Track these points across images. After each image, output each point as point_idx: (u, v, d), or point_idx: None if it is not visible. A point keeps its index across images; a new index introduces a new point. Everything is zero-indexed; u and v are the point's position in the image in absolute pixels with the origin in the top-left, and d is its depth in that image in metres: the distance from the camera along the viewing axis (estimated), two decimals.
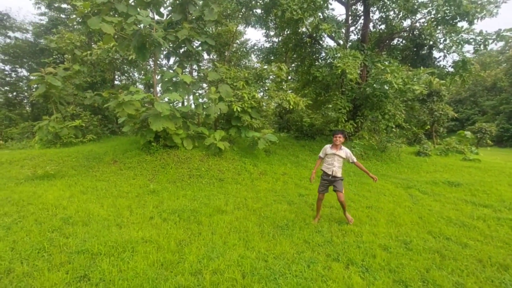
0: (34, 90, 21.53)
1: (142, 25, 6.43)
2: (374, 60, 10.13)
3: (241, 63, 14.52)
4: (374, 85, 8.70)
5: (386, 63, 9.54)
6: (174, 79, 7.40)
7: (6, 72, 22.32)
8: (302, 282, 2.63)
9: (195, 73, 11.40)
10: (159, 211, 4.39)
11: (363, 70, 10.64)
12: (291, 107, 7.57)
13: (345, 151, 4.15)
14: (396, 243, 3.52)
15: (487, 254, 3.27)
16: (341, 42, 10.74)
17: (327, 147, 4.23)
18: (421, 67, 9.23)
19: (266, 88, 8.12)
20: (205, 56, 14.17)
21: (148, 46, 6.91)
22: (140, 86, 18.01)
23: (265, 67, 8.46)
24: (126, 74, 18.41)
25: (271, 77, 8.50)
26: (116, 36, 7.14)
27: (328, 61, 11.66)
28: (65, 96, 10.20)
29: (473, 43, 9.98)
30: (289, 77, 15.53)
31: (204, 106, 7.36)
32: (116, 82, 18.48)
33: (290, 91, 8.48)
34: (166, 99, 7.26)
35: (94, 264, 2.83)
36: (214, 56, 12.47)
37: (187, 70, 11.29)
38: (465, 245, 3.50)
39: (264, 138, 7.11)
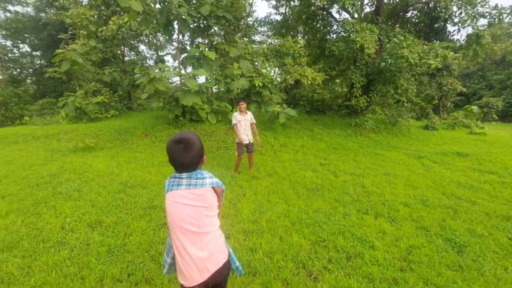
0: (38, 66, 21.50)
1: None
2: (389, 34, 10.20)
3: (253, 37, 14.45)
4: (389, 60, 8.90)
5: (400, 37, 9.64)
6: (196, 55, 7.64)
7: (8, 48, 22.00)
8: (342, 228, 3.23)
9: (206, 49, 11.50)
10: None
11: (377, 44, 10.72)
12: (309, 82, 7.88)
13: (249, 115, 5.13)
14: (414, 201, 4.09)
15: (492, 209, 3.83)
16: (357, 15, 10.70)
17: (237, 115, 5.04)
18: (436, 41, 9.35)
19: (284, 64, 8.34)
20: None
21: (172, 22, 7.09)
22: (150, 62, 18.03)
23: (282, 42, 8.59)
24: (134, 50, 18.32)
25: (289, 52, 8.67)
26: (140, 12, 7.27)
27: (341, 34, 11.71)
28: (84, 73, 10.45)
29: (488, 17, 9.98)
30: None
31: (227, 82, 7.69)
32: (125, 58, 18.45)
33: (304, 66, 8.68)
34: (192, 75, 7.55)
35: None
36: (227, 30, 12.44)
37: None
38: (474, 202, 4.07)
39: (284, 112, 7.51)
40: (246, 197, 4.12)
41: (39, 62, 22.02)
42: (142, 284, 2.23)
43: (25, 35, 21.35)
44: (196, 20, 8.40)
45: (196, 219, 1.38)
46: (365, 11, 12.29)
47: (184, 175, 1.41)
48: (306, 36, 14.00)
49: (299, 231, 3.13)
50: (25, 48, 22.58)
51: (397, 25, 11.97)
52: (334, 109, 12.32)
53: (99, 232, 3.02)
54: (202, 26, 9.73)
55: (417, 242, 2.94)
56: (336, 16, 11.95)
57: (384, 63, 9.30)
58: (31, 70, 22.44)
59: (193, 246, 1.37)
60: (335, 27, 13.05)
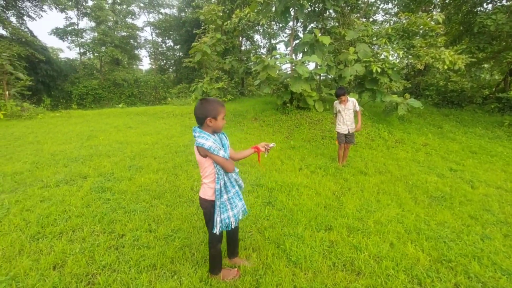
0: (177, 58, 26.52)
1: None
2: None
3: (374, 17, 12.93)
4: None
5: None
6: (309, 40, 7.50)
7: (159, 44, 28.01)
8: (478, 251, 2.56)
9: (320, 34, 11.05)
10: (305, 164, 4.97)
11: None
12: (446, 67, 6.39)
13: (351, 103, 4.75)
14: None
15: None
16: None
17: (337, 104, 4.82)
18: None
19: (412, 45, 7.05)
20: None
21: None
22: (263, 51, 19.17)
23: (413, 18, 7.22)
24: (250, 40, 19.86)
25: (420, 31, 7.26)
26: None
27: (501, 3, 8.83)
28: (211, 62, 12.18)
29: None
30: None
31: (339, 68, 7.25)
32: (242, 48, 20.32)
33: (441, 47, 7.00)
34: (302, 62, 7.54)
35: (272, 196, 3.64)
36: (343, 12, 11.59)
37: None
38: None
39: (405, 103, 6.46)
40: (351, 192, 3.87)
41: (178, 54, 27.07)
42: (249, 250, 2.49)
43: (170, 32, 26.47)
44: (311, 4, 8.19)
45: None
46: None
47: None
48: (445, 10, 11.34)
49: (416, 242, 2.69)
50: (170, 43, 28.18)
51: None
52: (476, 102, 9.68)
53: None
54: (316, 10, 9.42)
55: None
56: None
57: None
58: (173, 61, 27.97)
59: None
60: None
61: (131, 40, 24.69)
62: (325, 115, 7.40)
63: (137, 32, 25.06)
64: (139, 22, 59.60)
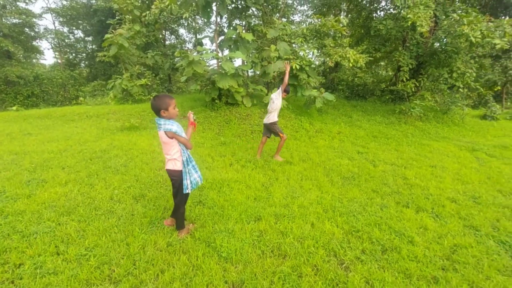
0: (90, 51, 23.20)
1: None
2: (447, 10, 9.01)
3: (292, 17, 13.89)
4: (445, 39, 7.91)
5: (461, 12, 8.47)
6: (233, 37, 7.58)
7: (65, 34, 23.98)
8: (378, 219, 3.08)
9: (244, 31, 11.30)
10: (236, 159, 5.05)
11: (432, 21, 9.58)
12: (350, 64, 7.39)
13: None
14: (464, 197, 3.73)
15: None
16: None
17: (281, 96, 5.03)
18: (504, 17, 8.04)
19: (324, 45, 7.88)
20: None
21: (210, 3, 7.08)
22: (189, 46, 18.47)
23: (323, 21, 8.08)
24: (174, 34, 18.85)
25: (330, 32, 8.17)
26: None
27: (390, 11, 10.69)
28: (130, 56, 11.08)
29: None
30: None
31: (262, 65, 7.56)
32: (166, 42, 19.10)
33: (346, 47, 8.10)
34: (229, 58, 7.56)
35: (203, 194, 3.58)
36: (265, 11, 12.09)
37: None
38: None
39: (321, 97, 7.21)
40: (278, 181, 4.13)
41: (91, 47, 23.67)
42: (180, 253, 2.40)
43: (79, 21, 22.86)
44: (234, 1, 8.27)
45: (162, 146, 2.48)
46: None
47: None
48: (349, 15, 13.04)
49: (332, 219, 3.06)
50: (79, 34, 24.37)
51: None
52: (376, 95, 11.51)
53: (142, 204, 3.28)
54: (240, 7, 9.57)
55: (464, 241, 2.69)
56: None
57: (438, 43, 8.32)
58: (84, 54, 24.28)
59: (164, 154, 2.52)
60: (383, 3, 11.94)
61: (27, 29, 20.35)
62: (254, 110, 7.66)
63: (34, 20, 20.77)
64: (36, 8, 49.69)
